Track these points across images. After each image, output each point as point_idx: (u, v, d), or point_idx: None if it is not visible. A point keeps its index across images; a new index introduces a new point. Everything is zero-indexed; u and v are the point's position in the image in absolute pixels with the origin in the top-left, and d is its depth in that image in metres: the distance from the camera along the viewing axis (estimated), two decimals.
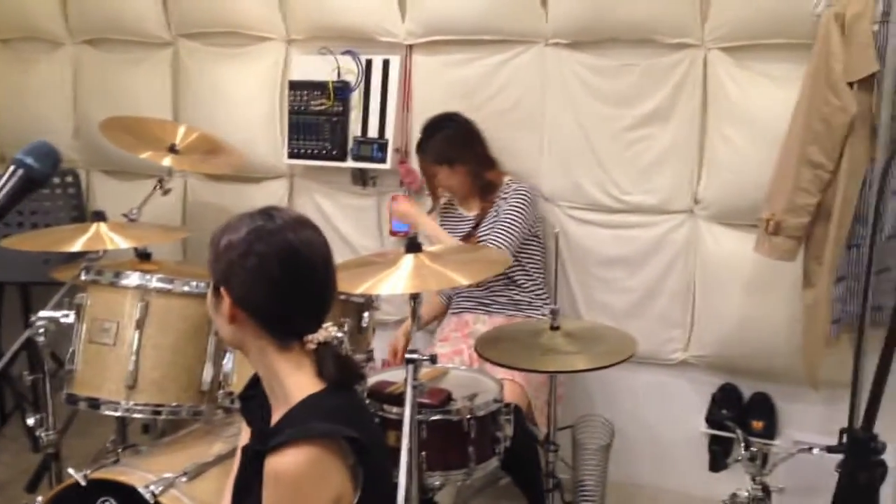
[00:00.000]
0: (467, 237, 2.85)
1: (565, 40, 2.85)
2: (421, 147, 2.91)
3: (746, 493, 2.45)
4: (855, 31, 2.29)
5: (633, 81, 2.78)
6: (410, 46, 3.08)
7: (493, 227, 2.78)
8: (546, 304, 2.84)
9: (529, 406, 2.57)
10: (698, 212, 2.82)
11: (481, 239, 2.79)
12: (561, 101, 2.91)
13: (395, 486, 1.78)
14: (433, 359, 2.02)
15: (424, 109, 3.07)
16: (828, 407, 2.70)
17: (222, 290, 1.44)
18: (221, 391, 2.23)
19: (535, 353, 2.16)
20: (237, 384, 2.21)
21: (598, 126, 2.86)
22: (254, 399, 1.60)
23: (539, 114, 2.95)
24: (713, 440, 2.90)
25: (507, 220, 2.77)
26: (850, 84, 2.32)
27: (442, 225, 2.95)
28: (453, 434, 2.25)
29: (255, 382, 1.60)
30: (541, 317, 2.78)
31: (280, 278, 1.43)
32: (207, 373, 2.25)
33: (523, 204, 2.80)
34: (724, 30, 2.62)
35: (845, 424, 2.17)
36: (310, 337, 1.47)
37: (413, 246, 2.07)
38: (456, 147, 2.86)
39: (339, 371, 1.47)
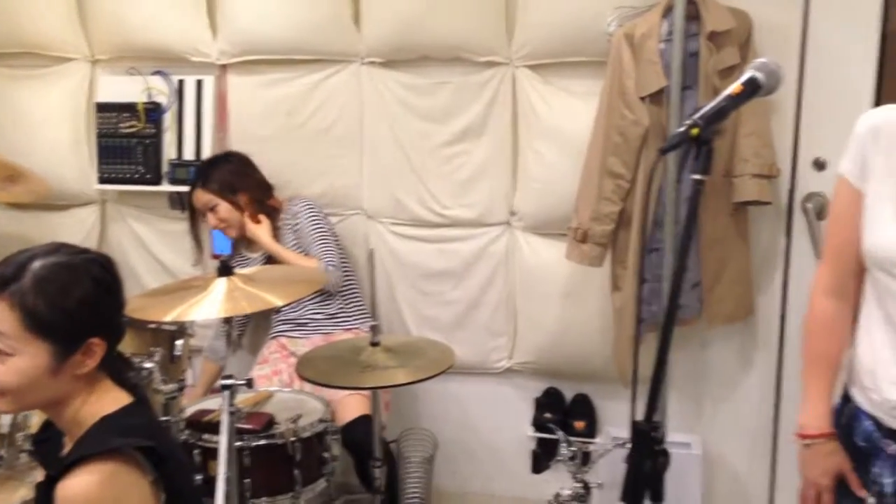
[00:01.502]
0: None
1: (380, 59, 2.88)
2: (203, 178, 2.86)
3: (569, 492, 2.55)
4: (643, 49, 2.45)
5: (447, 98, 2.85)
6: (224, 66, 3.02)
7: (310, 248, 2.79)
8: (365, 316, 2.86)
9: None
10: (515, 223, 2.92)
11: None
12: (379, 119, 2.94)
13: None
14: (249, 383, 1.98)
15: (242, 130, 3.04)
16: (641, 403, 2.85)
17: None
18: (21, 434, 2.09)
19: (355, 371, 2.16)
20: (37, 426, 2.08)
21: (416, 143, 2.91)
22: (48, 441, 1.51)
23: (357, 132, 2.97)
24: (539, 443, 3.00)
25: (318, 237, 2.80)
26: (643, 98, 2.48)
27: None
28: (278, 458, 2.22)
29: (48, 424, 1.51)
30: (361, 330, 2.81)
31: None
32: (6, 415, 2.11)
33: (318, 216, 2.85)
34: (528, 48, 2.74)
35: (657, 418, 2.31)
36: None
37: (225, 269, 2.03)
38: (238, 175, 2.87)
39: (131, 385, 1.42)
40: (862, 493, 1.55)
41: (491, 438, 3.12)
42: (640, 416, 1.53)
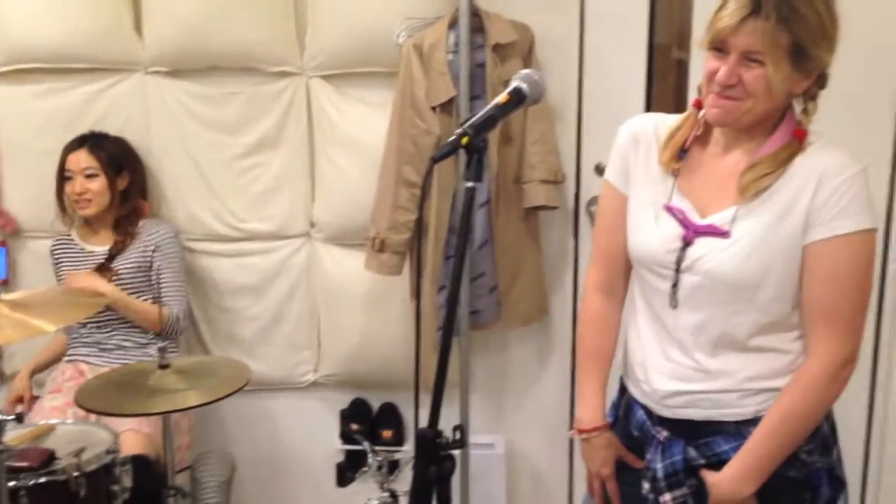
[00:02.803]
0: (102, 270, 2.65)
1: (165, 68, 2.76)
2: (91, 142, 2.69)
3: (377, 502, 2.55)
4: (432, 60, 2.50)
5: (240, 109, 2.77)
6: None
7: (163, 285, 2.68)
8: (176, 348, 2.74)
9: (162, 454, 2.43)
10: (315, 235, 2.88)
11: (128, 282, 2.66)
12: (168, 131, 2.81)
13: None
14: (19, 418, 1.83)
15: (14, 143, 2.82)
16: (446, 407, 2.89)
17: None
18: None
19: (142, 396, 2.05)
20: None
21: (209, 155, 2.81)
22: None
23: (144, 145, 2.82)
24: (347, 455, 2.97)
25: (173, 279, 2.71)
26: (434, 108, 2.52)
27: (58, 261, 2.72)
28: (60, 495, 2.06)
29: None
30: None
31: None
32: None
33: (178, 253, 2.75)
34: (320, 59, 2.71)
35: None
36: None
37: None
38: (127, 157, 2.74)
39: None
40: (639, 464, 1.64)
41: (299, 455, 3.06)
42: (452, 420, 1.54)
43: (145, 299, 2.66)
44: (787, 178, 1.45)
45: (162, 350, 2.16)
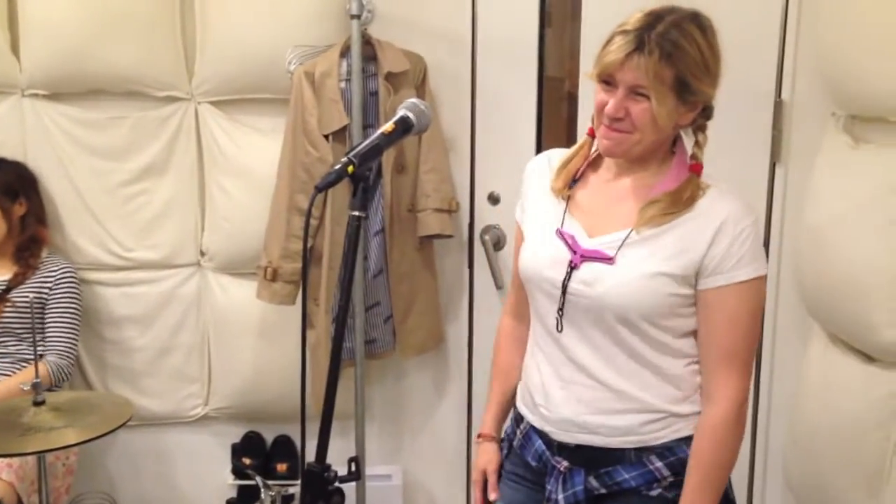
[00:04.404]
0: None
1: (44, 91, 2.65)
2: None
3: None
4: (324, 87, 2.48)
5: (125, 134, 2.68)
6: None
7: (53, 331, 2.55)
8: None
9: (20, 502, 2.30)
10: (205, 263, 2.81)
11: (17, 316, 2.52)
12: (46, 156, 2.69)
13: None
14: None
15: None
16: (342, 438, 2.85)
17: None
18: None
19: (15, 434, 1.94)
20: None
21: (91, 182, 2.71)
22: None
23: None
24: (239, 491, 2.88)
25: (66, 325, 2.58)
26: (326, 136, 2.50)
27: None
28: None
29: None
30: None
31: None
32: None
33: (76, 296, 2.64)
34: (209, 84, 2.66)
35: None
36: None
37: None
38: (24, 183, 2.63)
39: None
40: (493, 495, 1.73)
41: (187, 492, 2.95)
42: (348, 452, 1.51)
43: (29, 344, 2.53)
44: (682, 219, 1.49)
45: (36, 386, 2.05)
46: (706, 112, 1.51)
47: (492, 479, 1.75)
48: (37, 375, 2.05)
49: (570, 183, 1.61)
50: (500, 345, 1.81)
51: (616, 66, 1.42)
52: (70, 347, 2.58)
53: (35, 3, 2.59)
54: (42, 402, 2.05)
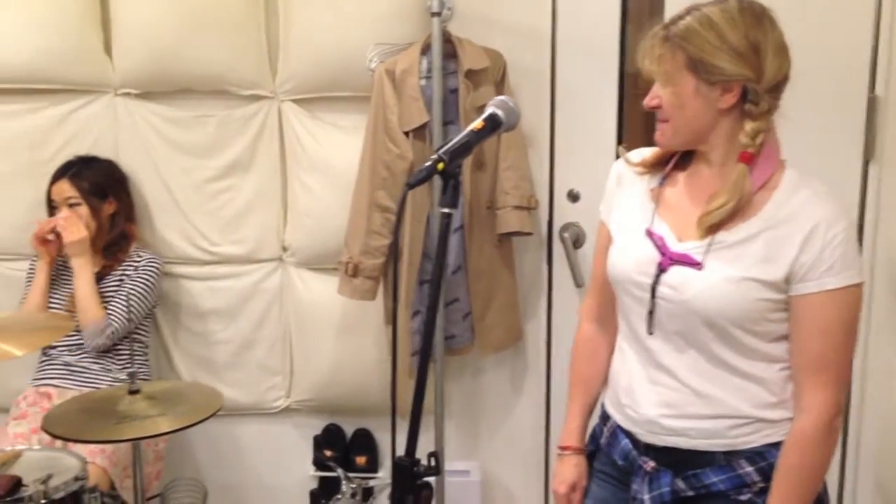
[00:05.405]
0: None
1: (136, 90, 2.74)
2: (73, 172, 2.65)
3: None
4: (405, 85, 2.50)
5: (211, 132, 2.76)
6: None
7: (116, 297, 2.62)
8: (147, 376, 2.70)
9: (112, 488, 2.39)
10: (287, 259, 2.86)
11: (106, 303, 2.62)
12: (138, 153, 2.79)
13: None
14: None
15: None
16: (421, 433, 2.87)
17: None
18: None
19: (111, 422, 2.01)
20: None
21: (180, 178, 2.79)
22: None
23: None
24: (320, 482, 2.94)
25: (135, 291, 2.64)
26: (407, 133, 2.52)
27: (53, 281, 2.68)
28: None
29: None
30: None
31: None
32: None
33: (151, 277, 2.69)
34: (292, 83, 2.71)
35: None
36: None
37: None
38: (113, 182, 2.71)
39: None
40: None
41: (270, 481, 3.02)
42: (426, 447, 1.52)
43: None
44: (771, 222, 1.46)
45: (132, 375, 2.13)
46: (751, 97, 1.45)
47: (578, 497, 1.73)
48: (132, 362, 2.12)
49: (660, 181, 1.59)
50: (579, 354, 1.77)
51: (639, 61, 1.49)
52: (125, 317, 2.60)
53: (127, 5, 2.69)
54: (137, 391, 2.12)
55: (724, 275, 1.46)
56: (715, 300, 1.46)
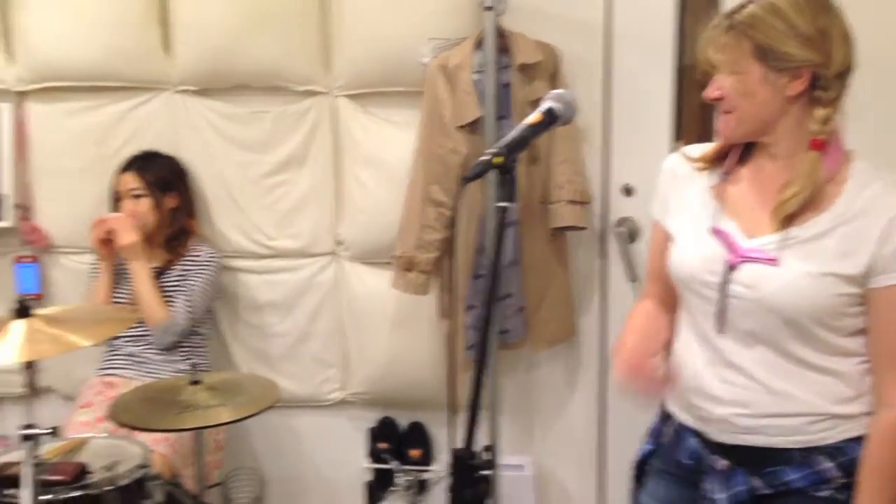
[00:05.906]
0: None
1: (194, 87, 2.80)
2: (138, 164, 2.72)
3: None
4: (458, 80, 2.51)
5: (266, 128, 2.80)
6: (23, 93, 2.83)
7: (179, 294, 2.68)
8: (206, 366, 2.76)
9: (174, 476, 2.44)
10: (341, 253, 2.89)
11: (168, 297, 2.67)
12: (196, 149, 2.84)
13: None
14: (55, 431, 1.84)
15: (46, 160, 2.86)
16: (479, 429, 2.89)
17: None
18: None
19: (173, 412, 2.06)
20: None
21: (236, 173, 2.84)
22: None
23: None
24: (375, 474, 2.97)
25: (197, 287, 2.69)
26: (460, 127, 2.53)
27: (117, 277, 2.74)
28: None
29: None
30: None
31: None
32: None
33: (212, 271, 2.74)
34: (346, 78, 2.74)
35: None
36: None
37: (22, 311, 1.89)
38: (175, 176, 2.77)
39: None
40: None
41: (325, 473, 3.06)
42: (480, 441, 1.53)
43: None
44: (846, 216, 1.43)
45: (194, 366, 2.17)
46: (820, 83, 1.42)
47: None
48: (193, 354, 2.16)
49: (721, 176, 1.57)
50: (640, 310, 1.70)
51: (702, 52, 1.47)
52: (191, 311, 2.66)
53: (186, 3, 2.74)
54: (198, 382, 2.17)
55: (803, 270, 1.44)
56: (793, 297, 1.43)
